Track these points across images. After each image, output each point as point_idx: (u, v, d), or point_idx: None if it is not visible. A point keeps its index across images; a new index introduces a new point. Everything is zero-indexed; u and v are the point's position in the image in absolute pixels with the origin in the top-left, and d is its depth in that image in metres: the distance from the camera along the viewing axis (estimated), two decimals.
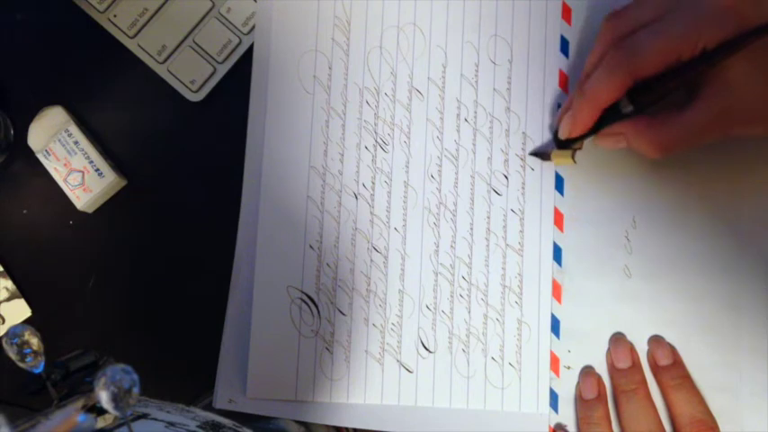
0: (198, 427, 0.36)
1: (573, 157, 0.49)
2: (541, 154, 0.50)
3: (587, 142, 0.48)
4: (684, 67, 0.43)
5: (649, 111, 0.45)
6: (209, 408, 0.51)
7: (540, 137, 0.51)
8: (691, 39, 0.42)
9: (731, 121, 0.44)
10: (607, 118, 0.46)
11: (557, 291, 0.50)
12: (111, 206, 0.54)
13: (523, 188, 0.51)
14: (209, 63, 0.54)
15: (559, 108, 0.50)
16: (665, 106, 0.44)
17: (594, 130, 0.46)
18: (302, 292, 0.51)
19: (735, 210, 0.50)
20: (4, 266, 0.54)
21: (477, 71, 0.52)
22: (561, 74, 0.51)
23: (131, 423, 0.33)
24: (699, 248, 0.50)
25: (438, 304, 0.50)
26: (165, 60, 0.54)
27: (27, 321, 0.54)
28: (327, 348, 0.51)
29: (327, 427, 0.51)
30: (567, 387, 0.50)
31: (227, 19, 0.54)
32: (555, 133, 0.49)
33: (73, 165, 0.53)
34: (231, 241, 0.52)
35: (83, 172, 0.53)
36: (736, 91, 0.43)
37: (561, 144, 0.49)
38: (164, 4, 0.54)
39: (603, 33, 0.46)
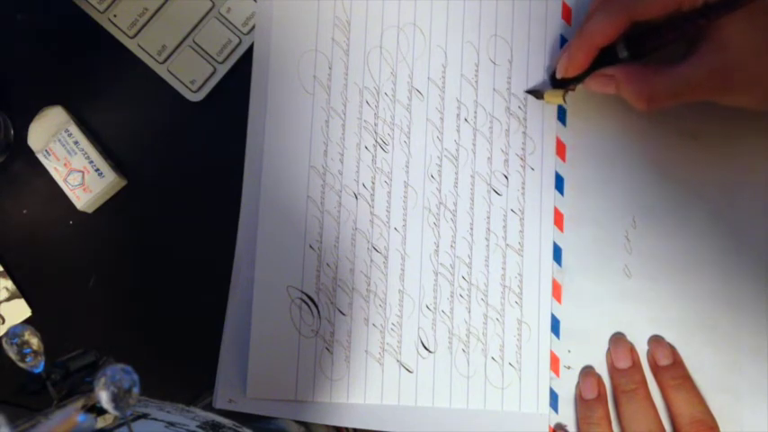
0: (198, 427, 0.36)
1: (564, 97, 0.49)
2: (536, 92, 0.51)
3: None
4: (683, 19, 0.43)
5: (644, 61, 0.45)
6: (209, 408, 0.51)
7: (541, 137, 0.51)
8: None
9: (722, 82, 0.44)
10: (602, 61, 0.46)
11: (557, 291, 0.50)
12: (111, 206, 0.54)
13: (523, 188, 0.51)
14: (209, 63, 0.54)
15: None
16: (661, 61, 0.45)
17: (589, 71, 0.47)
18: (302, 292, 0.51)
19: (735, 210, 0.50)
20: (4, 266, 0.54)
21: (477, 71, 0.52)
22: None
23: (131, 423, 0.33)
24: (699, 248, 0.50)
25: (438, 304, 0.50)
26: (165, 60, 0.54)
27: (27, 321, 0.54)
28: (327, 348, 0.51)
29: (327, 427, 0.51)
30: (567, 387, 0.50)
31: (227, 19, 0.54)
32: (552, 74, 0.50)
33: (73, 165, 0.53)
34: (231, 241, 0.52)
35: (83, 172, 0.53)
36: (732, 51, 0.43)
37: (556, 84, 0.50)
38: (164, 4, 0.54)
39: None
